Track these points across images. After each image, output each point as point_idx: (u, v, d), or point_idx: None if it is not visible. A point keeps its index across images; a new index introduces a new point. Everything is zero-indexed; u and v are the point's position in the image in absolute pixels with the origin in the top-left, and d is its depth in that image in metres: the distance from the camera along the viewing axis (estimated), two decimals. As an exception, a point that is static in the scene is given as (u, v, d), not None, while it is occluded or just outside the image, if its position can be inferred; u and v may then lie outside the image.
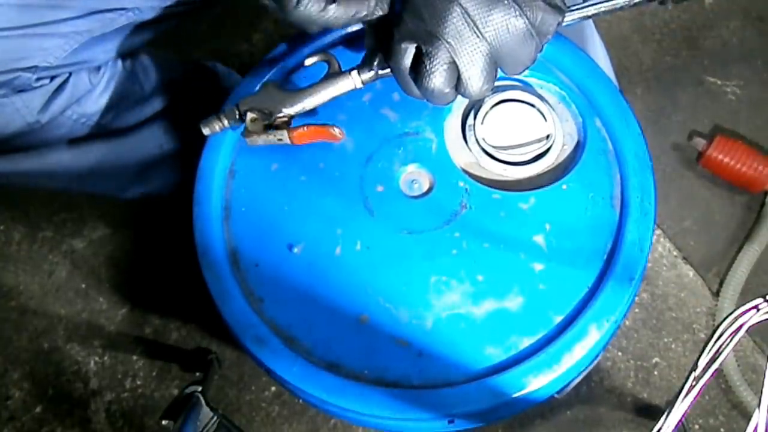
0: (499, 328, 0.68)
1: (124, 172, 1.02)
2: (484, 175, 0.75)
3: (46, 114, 0.82)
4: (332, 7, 0.60)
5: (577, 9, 0.65)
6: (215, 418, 0.81)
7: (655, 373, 1.12)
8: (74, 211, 1.28)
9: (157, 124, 1.00)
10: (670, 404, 0.52)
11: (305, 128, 0.70)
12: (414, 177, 0.74)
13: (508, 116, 0.75)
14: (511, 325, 0.68)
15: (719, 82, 1.30)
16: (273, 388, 1.14)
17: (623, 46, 1.34)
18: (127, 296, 1.22)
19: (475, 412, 0.65)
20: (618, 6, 0.65)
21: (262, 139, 0.70)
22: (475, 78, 0.60)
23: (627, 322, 1.14)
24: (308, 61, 0.72)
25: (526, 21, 0.58)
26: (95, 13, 0.77)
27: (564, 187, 0.72)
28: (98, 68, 0.87)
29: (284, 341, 0.69)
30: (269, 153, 0.76)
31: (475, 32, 0.58)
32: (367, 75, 0.67)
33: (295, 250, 0.72)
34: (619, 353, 1.13)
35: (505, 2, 0.57)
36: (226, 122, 0.71)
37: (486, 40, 0.58)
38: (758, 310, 0.54)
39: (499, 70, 0.62)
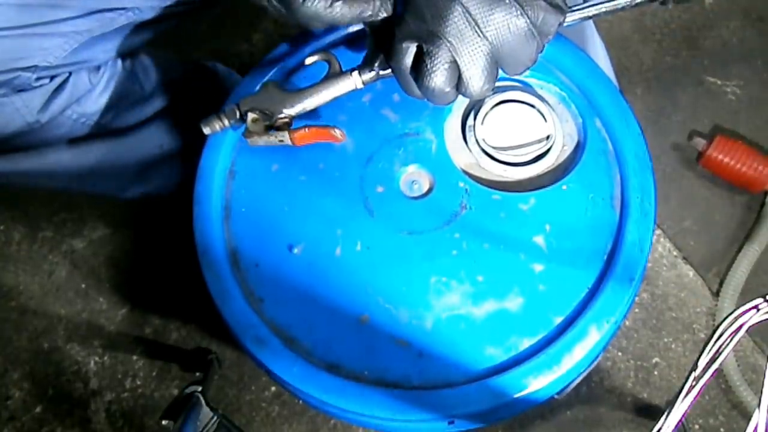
0: (499, 328, 0.68)
1: (124, 172, 1.02)
2: (484, 176, 0.75)
3: (45, 114, 0.82)
4: (338, 4, 0.60)
5: (578, 9, 0.65)
6: (215, 418, 0.81)
7: (655, 373, 1.12)
8: (74, 211, 1.28)
9: (157, 124, 1.00)
10: (670, 404, 0.52)
11: (306, 130, 0.71)
12: (414, 177, 0.74)
13: (508, 117, 0.75)
14: (511, 326, 0.68)
15: (719, 82, 1.30)
16: (273, 388, 1.14)
17: (623, 46, 1.34)
18: (127, 296, 1.22)
19: (475, 413, 0.65)
20: (619, 6, 0.65)
21: (263, 140, 0.70)
22: (476, 77, 0.60)
23: (627, 322, 1.14)
24: (309, 60, 0.72)
25: (528, 21, 0.58)
26: (95, 12, 0.77)
27: (564, 187, 0.72)
28: (98, 68, 0.86)
29: (284, 342, 0.69)
30: (269, 153, 0.76)
31: (476, 32, 0.58)
32: (368, 75, 0.67)
33: (295, 250, 0.72)
34: (619, 353, 1.13)
35: (507, 2, 0.57)
36: (226, 122, 0.71)
37: (487, 40, 0.58)
38: (758, 310, 0.54)
39: (499, 70, 0.62)
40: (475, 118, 0.75)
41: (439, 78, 0.60)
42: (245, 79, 0.80)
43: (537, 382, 0.65)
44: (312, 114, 0.72)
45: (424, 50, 0.59)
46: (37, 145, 0.87)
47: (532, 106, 0.75)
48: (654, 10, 1.36)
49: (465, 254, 0.70)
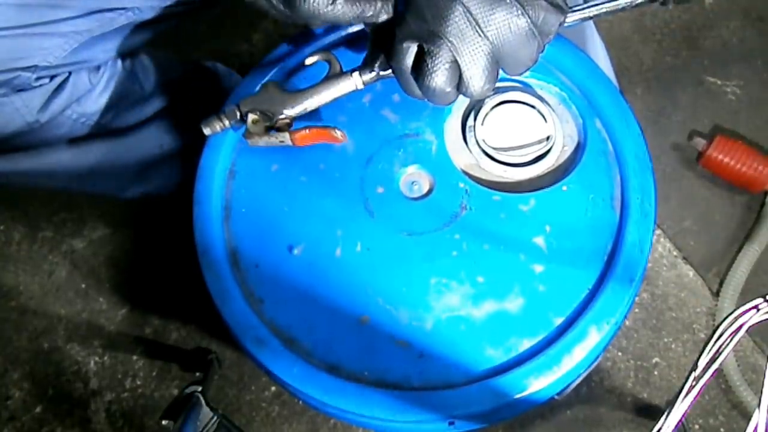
0: (500, 329, 0.68)
1: (124, 172, 1.02)
2: (484, 177, 0.75)
3: (45, 113, 0.82)
4: (340, 2, 0.60)
5: (579, 10, 0.65)
6: (215, 418, 0.81)
7: (655, 373, 1.12)
8: (74, 211, 1.28)
9: (157, 124, 1.00)
10: (670, 404, 0.52)
11: (307, 130, 0.71)
12: (414, 178, 0.74)
13: (509, 117, 0.75)
14: (512, 327, 0.68)
15: (719, 82, 1.30)
16: (273, 388, 1.14)
17: (623, 46, 1.34)
18: (127, 296, 1.22)
19: (476, 414, 0.65)
20: (619, 7, 0.65)
21: (263, 141, 0.70)
22: (476, 77, 0.60)
23: (627, 322, 1.14)
24: (309, 60, 0.72)
25: (528, 20, 0.58)
26: (95, 12, 0.77)
27: (564, 188, 0.72)
28: (98, 68, 0.86)
29: (284, 342, 0.69)
30: (269, 153, 0.76)
31: (477, 31, 0.58)
32: (368, 76, 0.67)
33: (296, 251, 0.72)
34: (619, 353, 1.13)
35: (508, 1, 0.57)
36: (226, 122, 0.71)
37: (488, 39, 0.58)
38: (758, 310, 0.54)
39: (500, 70, 0.62)
40: (475, 119, 0.75)
41: (439, 78, 0.60)
42: (245, 80, 0.80)
43: (537, 383, 0.65)
44: (312, 114, 0.72)
45: (425, 50, 0.59)
46: (37, 144, 0.87)
47: (533, 106, 0.75)
48: (654, 10, 1.36)
49: (465, 255, 0.70)
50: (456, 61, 0.59)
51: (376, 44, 0.66)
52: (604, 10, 0.65)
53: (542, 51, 0.62)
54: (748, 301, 0.54)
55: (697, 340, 1.14)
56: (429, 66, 0.59)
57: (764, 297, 0.54)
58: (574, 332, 0.66)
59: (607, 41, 0.99)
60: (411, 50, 0.60)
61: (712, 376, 0.52)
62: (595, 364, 0.73)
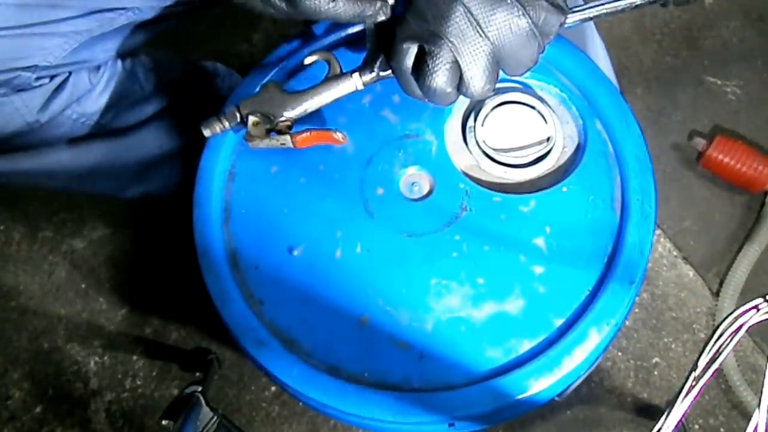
0: (500, 331, 0.68)
1: (124, 172, 1.02)
2: (484, 178, 0.75)
3: (45, 113, 0.82)
4: (341, 0, 0.61)
5: (579, 11, 0.65)
6: (215, 418, 0.81)
7: (655, 373, 1.12)
8: (74, 211, 1.28)
9: (157, 124, 1.00)
10: (670, 404, 0.53)
11: (308, 133, 0.71)
12: (414, 179, 0.74)
13: (509, 118, 0.75)
14: (512, 328, 0.68)
15: (719, 82, 1.30)
16: (273, 388, 1.14)
17: (623, 47, 1.34)
18: (127, 296, 1.22)
19: (476, 415, 0.65)
20: (619, 8, 0.65)
21: (264, 143, 0.70)
22: (477, 77, 0.60)
23: (627, 322, 1.14)
24: (308, 60, 0.72)
25: (529, 21, 0.58)
26: (95, 12, 0.77)
27: (564, 189, 0.72)
28: (98, 68, 0.86)
29: (284, 344, 0.69)
30: (269, 155, 0.76)
31: (478, 31, 0.58)
32: (369, 76, 0.67)
33: (295, 252, 0.72)
34: (619, 353, 1.13)
35: (509, 2, 0.57)
36: (226, 124, 0.71)
37: (489, 40, 0.58)
38: (758, 310, 0.54)
39: (500, 71, 0.62)
40: (475, 120, 0.75)
41: (440, 78, 0.60)
42: (245, 80, 0.80)
43: (537, 385, 0.65)
44: (312, 116, 0.72)
45: (426, 50, 0.59)
46: (37, 144, 0.87)
47: (533, 107, 0.75)
48: (654, 10, 1.36)
49: (465, 256, 0.70)
50: (457, 62, 0.59)
51: (377, 44, 0.66)
52: (605, 11, 0.66)
53: (543, 52, 0.62)
54: (748, 301, 0.54)
55: (697, 340, 1.14)
56: (430, 66, 0.59)
57: (764, 297, 0.54)
58: (574, 334, 0.66)
59: (607, 41, 1.00)
60: (411, 50, 0.60)
61: (712, 376, 0.53)
62: (595, 364, 0.73)
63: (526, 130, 0.75)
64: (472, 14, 0.57)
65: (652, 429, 0.52)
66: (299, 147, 0.71)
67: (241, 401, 1.13)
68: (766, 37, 1.33)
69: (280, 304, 0.71)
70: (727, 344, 0.53)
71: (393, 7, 0.63)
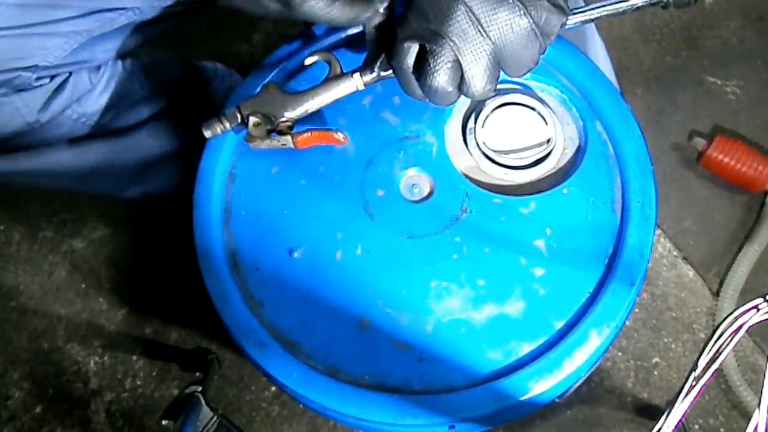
0: (500, 333, 0.68)
1: (124, 172, 1.02)
2: (484, 179, 0.75)
3: (46, 113, 0.82)
4: (337, 4, 0.61)
5: (580, 12, 0.65)
6: (215, 418, 0.81)
7: (655, 373, 1.12)
8: (74, 211, 1.28)
9: (157, 124, 1.00)
10: (670, 404, 0.53)
11: (309, 133, 0.71)
12: (414, 181, 0.74)
13: (509, 120, 0.75)
14: (512, 330, 0.68)
15: (719, 82, 1.30)
16: (273, 388, 1.14)
17: (624, 46, 1.34)
18: (127, 297, 1.22)
19: (476, 417, 0.65)
20: (620, 10, 0.65)
21: (265, 144, 0.70)
22: (478, 77, 0.60)
23: (627, 322, 1.14)
24: (308, 60, 0.72)
25: (531, 21, 0.58)
26: (95, 12, 0.77)
27: (565, 191, 0.72)
28: (98, 68, 0.86)
29: (284, 346, 0.69)
30: (269, 156, 0.76)
31: (479, 31, 0.58)
32: (369, 76, 0.67)
33: (296, 254, 0.72)
34: (619, 353, 1.13)
35: (510, 2, 0.57)
36: (227, 125, 0.71)
37: (490, 39, 0.58)
38: (758, 310, 0.54)
39: (501, 72, 0.62)
40: (475, 121, 0.75)
41: (441, 77, 0.59)
42: (245, 81, 0.80)
43: (538, 387, 0.65)
44: (313, 116, 0.72)
45: (427, 49, 0.59)
46: (37, 144, 0.87)
47: (533, 109, 0.75)
48: (654, 10, 1.36)
49: (465, 258, 0.70)
50: (458, 61, 0.59)
51: (377, 44, 0.66)
52: (605, 13, 0.66)
53: (544, 52, 0.62)
54: (748, 301, 0.54)
55: (697, 340, 1.14)
56: (431, 65, 0.59)
57: (764, 297, 0.54)
58: (574, 336, 0.66)
59: (607, 41, 0.99)
60: (412, 50, 0.60)
61: (712, 376, 0.53)
62: (596, 365, 0.73)
63: (526, 132, 0.75)
64: (473, 13, 0.57)
65: (652, 429, 0.52)
66: (300, 147, 0.71)
67: (241, 401, 1.14)
68: (766, 37, 1.33)
69: (280, 306, 0.71)
70: (727, 344, 0.54)
71: (391, 9, 0.63)
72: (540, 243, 0.71)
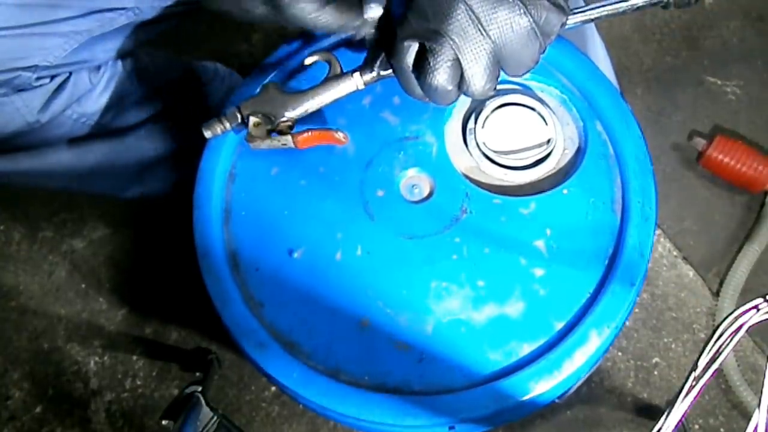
0: (500, 333, 0.68)
1: (124, 172, 1.02)
2: (484, 180, 0.75)
3: (46, 113, 0.82)
4: (327, 10, 0.61)
5: (580, 12, 0.65)
6: (215, 418, 0.81)
7: (655, 373, 1.12)
8: (74, 211, 1.28)
9: (157, 124, 1.00)
10: (670, 404, 0.53)
11: (309, 133, 0.70)
12: (414, 181, 0.74)
13: (509, 120, 0.75)
14: (512, 331, 0.68)
15: (719, 82, 1.30)
16: (273, 388, 1.14)
17: (624, 46, 1.34)
18: (127, 297, 1.22)
19: (476, 418, 0.65)
20: (620, 10, 0.65)
21: (265, 144, 0.70)
22: (478, 76, 0.60)
23: (627, 322, 1.14)
24: (308, 60, 0.72)
25: (531, 20, 0.58)
26: (95, 12, 0.77)
27: (565, 191, 0.72)
28: (98, 68, 0.86)
29: (284, 346, 0.69)
30: (269, 156, 0.76)
31: (479, 30, 0.58)
32: (369, 75, 0.67)
33: (296, 254, 0.72)
34: (619, 353, 1.13)
35: (510, 1, 0.57)
36: (227, 125, 0.71)
37: (490, 38, 0.58)
38: (758, 310, 0.54)
39: (501, 72, 0.61)
40: (475, 122, 0.75)
41: (441, 76, 0.59)
42: (246, 81, 0.80)
43: (538, 387, 0.65)
44: (313, 116, 0.72)
45: (427, 48, 0.59)
46: (38, 144, 0.87)
47: (533, 109, 0.75)
48: (654, 10, 1.36)
49: (465, 258, 0.70)
50: (458, 60, 0.59)
51: (377, 43, 0.66)
52: (606, 12, 0.66)
53: (544, 52, 0.61)
54: (748, 301, 0.54)
55: (697, 340, 1.14)
56: (431, 64, 0.59)
57: (764, 297, 0.54)
58: (574, 336, 0.66)
59: (607, 41, 0.99)
60: (412, 49, 0.60)
61: (712, 376, 0.53)
62: (596, 365, 0.73)
63: (526, 132, 0.75)
64: (473, 12, 0.57)
65: (652, 429, 0.52)
66: (301, 147, 0.71)
67: (241, 401, 1.14)
68: (766, 37, 1.33)
69: (280, 306, 0.71)
70: (727, 344, 0.54)
71: (389, 9, 0.63)
72: (540, 243, 0.70)
